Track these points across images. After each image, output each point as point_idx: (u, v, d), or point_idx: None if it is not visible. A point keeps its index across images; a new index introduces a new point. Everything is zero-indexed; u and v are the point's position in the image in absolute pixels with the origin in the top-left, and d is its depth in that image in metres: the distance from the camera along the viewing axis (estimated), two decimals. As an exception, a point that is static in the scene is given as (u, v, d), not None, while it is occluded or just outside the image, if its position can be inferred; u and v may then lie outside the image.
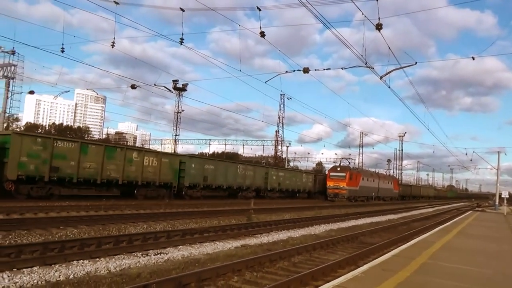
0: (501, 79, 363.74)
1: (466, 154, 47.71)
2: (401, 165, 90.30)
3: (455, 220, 23.46)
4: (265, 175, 37.39)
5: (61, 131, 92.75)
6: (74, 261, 8.01)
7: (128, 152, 24.16)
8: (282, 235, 14.22)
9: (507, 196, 41.23)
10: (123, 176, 23.37)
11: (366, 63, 15.55)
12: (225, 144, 80.00)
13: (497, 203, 45.13)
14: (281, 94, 63.07)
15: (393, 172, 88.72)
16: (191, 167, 28.62)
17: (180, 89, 57.78)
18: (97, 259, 8.39)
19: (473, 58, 17.34)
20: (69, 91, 50.70)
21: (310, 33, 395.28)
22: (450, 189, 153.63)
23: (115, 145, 30.61)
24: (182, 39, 16.47)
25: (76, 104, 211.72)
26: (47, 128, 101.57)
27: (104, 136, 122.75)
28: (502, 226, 20.60)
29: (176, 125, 59.82)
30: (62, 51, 20.28)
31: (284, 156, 70.99)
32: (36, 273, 7.02)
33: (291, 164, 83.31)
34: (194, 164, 29.01)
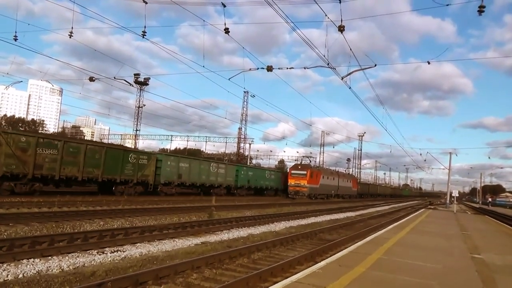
0: (457, 84, 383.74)
1: (421, 154, 49.85)
2: (360, 164, 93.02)
3: (409, 217, 24.41)
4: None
5: (13, 124, 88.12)
6: (24, 260, 7.63)
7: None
8: (243, 232, 14.24)
9: (457, 195, 43.38)
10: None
11: (328, 64, 15.84)
12: (187, 141, 79.11)
13: (448, 201, 47.43)
14: (244, 92, 63.17)
15: (352, 170, 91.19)
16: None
17: (141, 83, 56.47)
18: (49, 257, 8.05)
19: (429, 63, 18.14)
20: (21, 81, 48.18)
21: (280, 33, 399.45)
22: (405, 187, 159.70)
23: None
24: (144, 32, 16.06)
25: (29, 95, 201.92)
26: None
27: (59, 130, 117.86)
28: (452, 223, 21.66)
29: (137, 120, 58.52)
30: (15, 39, 19.26)
31: (246, 153, 71.15)
32: (-19, 272, 6.63)
33: (254, 161, 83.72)
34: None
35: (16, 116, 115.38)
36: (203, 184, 33.49)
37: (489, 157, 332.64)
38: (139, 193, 26.65)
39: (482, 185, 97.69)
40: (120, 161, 25.30)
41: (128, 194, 25.04)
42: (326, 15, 13.41)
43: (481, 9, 11.54)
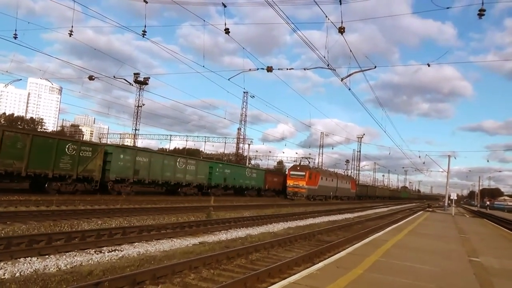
0: (457, 87, 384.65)
1: (420, 157, 49.98)
2: (359, 166, 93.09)
3: (407, 219, 24.42)
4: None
5: (12, 122, 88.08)
6: (21, 259, 7.61)
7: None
8: (241, 232, 14.23)
9: (455, 198, 43.41)
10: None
11: (328, 65, 15.84)
12: (187, 140, 79.11)
13: (446, 204, 47.47)
14: (244, 92, 63.34)
15: (351, 172, 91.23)
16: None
17: (141, 83, 56.51)
18: (47, 256, 8.03)
19: (429, 65, 18.11)
20: (21, 79, 48.16)
21: (281, 34, 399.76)
22: (403, 190, 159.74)
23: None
24: (144, 31, 16.05)
25: (29, 93, 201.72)
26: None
27: (58, 128, 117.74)
28: (450, 226, 21.67)
29: (136, 119, 58.53)
30: (15, 37, 19.24)
31: (245, 154, 71.16)
32: (-22, 270, 6.61)
33: (253, 162, 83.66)
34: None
35: (15, 114, 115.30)
36: (167, 182, 29.90)
37: (487, 160, 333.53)
38: (82, 191, 22.74)
39: (481, 188, 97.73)
40: (53, 153, 20.98)
41: (66, 192, 21.57)
42: (326, 16, 13.41)
43: (481, 13, 11.55)
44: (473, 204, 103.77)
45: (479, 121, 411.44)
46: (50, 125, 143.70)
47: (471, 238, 15.63)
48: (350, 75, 17.05)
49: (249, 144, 70.10)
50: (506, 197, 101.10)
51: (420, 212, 37.38)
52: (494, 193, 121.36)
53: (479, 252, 11.37)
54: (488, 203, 76.72)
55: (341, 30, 13.08)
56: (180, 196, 30.79)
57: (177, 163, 30.86)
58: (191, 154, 65.20)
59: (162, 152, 34.13)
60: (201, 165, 34.09)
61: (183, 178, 31.43)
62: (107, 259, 8.37)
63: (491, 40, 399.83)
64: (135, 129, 59.05)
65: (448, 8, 14.03)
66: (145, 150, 30.81)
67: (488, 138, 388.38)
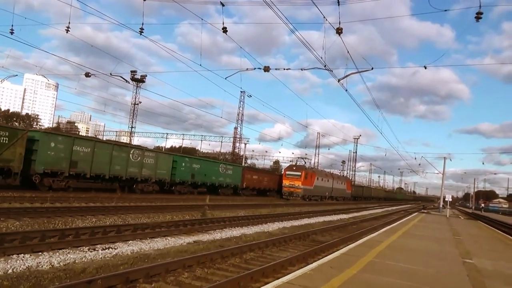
0: (454, 90, 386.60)
1: (415, 158, 50.02)
2: (355, 167, 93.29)
3: (402, 221, 24.49)
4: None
5: (7, 117, 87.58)
6: (14, 255, 7.57)
7: None
8: (236, 231, 14.22)
9: (450, 200, 43.52)
10: None
11: (325, 66, 15.85)
12: (183, 139, 79.01)
13: (441, 206, 47.62)
14: (241, 91, 63.36)
15: (347, 173, 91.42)
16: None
17: (138, 80, 56.37)
18: (40, 253, 7.99)
19: (425, 67, 18.17)
20: (16, 75, 47.83)
21: (280, 34, 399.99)
22: (399, 191, 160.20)
23: None
24: (142, 28, 15.99)
25: (25, 89, 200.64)
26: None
27: (54, 125, 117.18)
28: (444, 227, 21.74)
29: (133, 117, 58.40)
30: (11, 33, 19.12)
31: (242, 153, 71.11)
32: (-30, 267, 6.57)
33: (249, 161, 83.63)
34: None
35: (11, 110, 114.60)
36: (117, 177, 25.76)
37: (483, 163, 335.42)
38: None
39: (476, 190, 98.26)
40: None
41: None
42: (324, 17, 13.42)
43: (478, 16, 11.58)
44: (468, 206, 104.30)
45: (476, 124, 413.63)
46: (46, 122, 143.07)
47: (465, 240, 15.69)
48: (347, 76, 17.09)
49: (245, 144, 70.10)
50: (501, 200, 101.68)
51: (415, 214, 37.51)
52: (489, 196, 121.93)
53: (472, 254, 11.41)
54: (482, 205, 77.07)
55: (339, 31, 13.10)
56: (175, 194, 30.00)
57: (131, 155, 26.80)
58: (187, 152, 65.05)
59: (110, 141, 29.34)
60: (162, 158, 30.02)
61: (139, 173, 27.50)
62: (100, 257, 8.34)
63: (488, 43, 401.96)
64: (131, 127, 58.96)
65: (446, 10, 14.13)
66: (86, 138, 27.02)
67: (484, 140, 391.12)
